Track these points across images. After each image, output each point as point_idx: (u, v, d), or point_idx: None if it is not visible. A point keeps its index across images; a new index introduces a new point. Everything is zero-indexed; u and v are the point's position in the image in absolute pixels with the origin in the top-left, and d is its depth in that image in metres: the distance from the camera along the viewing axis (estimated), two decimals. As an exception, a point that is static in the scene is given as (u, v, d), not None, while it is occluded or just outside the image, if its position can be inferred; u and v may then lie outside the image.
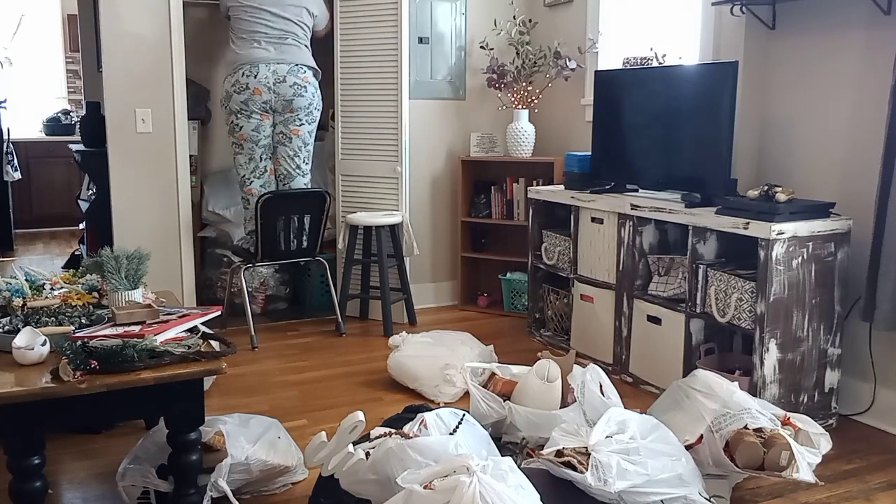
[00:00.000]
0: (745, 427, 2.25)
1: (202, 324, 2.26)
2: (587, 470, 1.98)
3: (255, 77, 4.04)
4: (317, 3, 4.26)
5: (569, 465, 2.02)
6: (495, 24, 4.55)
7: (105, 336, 2.04)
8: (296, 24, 4.16)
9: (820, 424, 2.40)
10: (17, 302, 2.32)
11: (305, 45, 4.23)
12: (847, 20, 3.05)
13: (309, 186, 4.35)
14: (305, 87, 4.14)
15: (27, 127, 7.76)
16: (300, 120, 4.20)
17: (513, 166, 4.59)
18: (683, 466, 2.13)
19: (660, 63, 3.68)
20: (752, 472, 2.23)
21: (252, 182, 4.21)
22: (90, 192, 4.78)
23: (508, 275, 4.61)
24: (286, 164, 4.26)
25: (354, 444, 2.00)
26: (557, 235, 3.96)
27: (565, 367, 2.63)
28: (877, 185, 2.81)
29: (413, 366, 3.36)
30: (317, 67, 4.25)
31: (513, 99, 4.51)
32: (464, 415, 2.15)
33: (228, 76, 4.12)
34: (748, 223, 2.86)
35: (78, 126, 5.97)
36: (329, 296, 4.35)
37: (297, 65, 4.13)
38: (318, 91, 4.24)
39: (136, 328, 2.12)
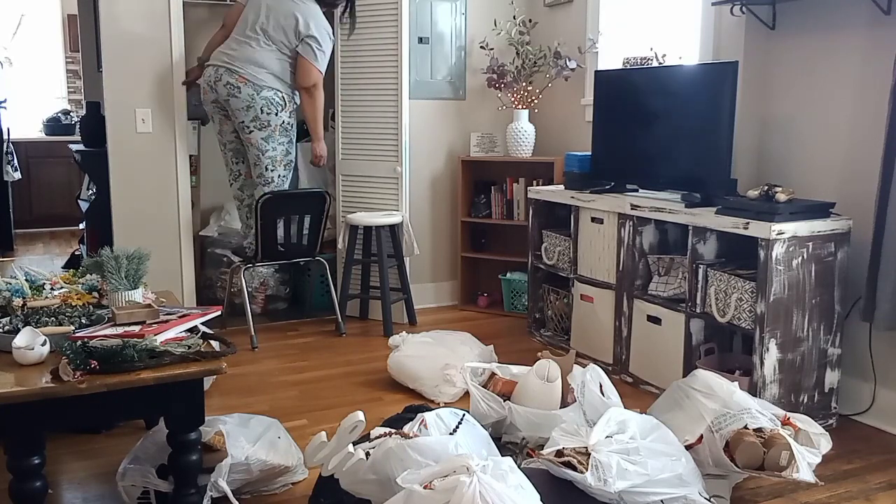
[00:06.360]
0: (745, 427, 2.25)
1: (202, 324, 2.26)
2: (587, 470, 1.98)
3: (204, 76, 3.96)
4: (307, 28, 3.89)
5: (569, 465, 2.02)
6: (495, 24, 4.55)
7: (105, 336, 2.04)
8: (267, 34, 3.88)
9: (820, 424, 2.40)
10: (17, 302, 2.32)
11: (270, 52, 3.89)
12: (847, 20, 3.04)
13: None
14: (239, 87, 3.82)
15: (27, 127, 7.75)
16: (248, 127, 3.91)
17: (513, 166, 4.59)
18: (683, 466, 2.13)
19: (660, 63, 3.67)
20: (752, 472, 2.23)
21: (232, 184, 4.23)
22: (90, 192, 4.77)
23: (508, 275, 4.61)
24: (252, 170, 4.09)
25: (354, 444, 2.00)
26: (557, 235, 3.96)
27: (565, 367, 2.63)
28: (877, 185, 2.81)
29: (413, 366, 3.36)
30: (275, 75, 3.91)
31: (513, 99, 4.51)
32: (464, 415, 2.15)
33: None
34: (748, 223, 2.86)
35: (78, 126, 5.96)
36: (329, 296, 4.35)
37: (238, 64, 3.83)
38: (272, 96, 3.90)
39: (136, 328, 2.12)
